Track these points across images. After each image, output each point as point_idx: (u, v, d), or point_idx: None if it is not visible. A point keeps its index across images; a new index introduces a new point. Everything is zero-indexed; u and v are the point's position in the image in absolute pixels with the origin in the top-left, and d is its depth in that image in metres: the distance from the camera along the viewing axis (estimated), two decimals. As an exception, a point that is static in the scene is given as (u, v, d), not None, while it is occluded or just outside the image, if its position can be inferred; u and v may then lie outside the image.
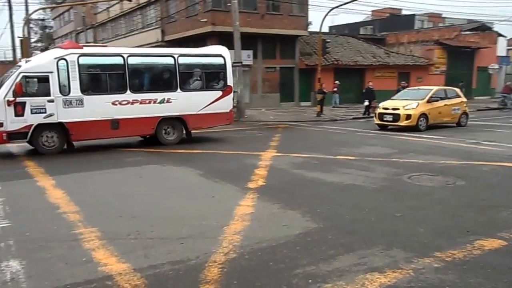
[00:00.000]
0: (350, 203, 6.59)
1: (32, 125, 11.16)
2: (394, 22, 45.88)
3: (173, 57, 13.14)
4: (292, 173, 8.94)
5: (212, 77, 14.11)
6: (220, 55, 14.10)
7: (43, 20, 53.57)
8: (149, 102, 12.64)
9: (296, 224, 5.60)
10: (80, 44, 12.68)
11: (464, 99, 18.14)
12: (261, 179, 8.18)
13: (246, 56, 26.57)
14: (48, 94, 11.30)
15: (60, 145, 11.73)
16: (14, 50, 27.93)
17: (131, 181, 8.52)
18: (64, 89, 11.45)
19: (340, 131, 16.64)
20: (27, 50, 22.79)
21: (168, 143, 12.98)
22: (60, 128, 11.59)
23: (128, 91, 12.30)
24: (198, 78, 13.76)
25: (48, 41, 59.29)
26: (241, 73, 22.47)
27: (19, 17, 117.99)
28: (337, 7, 24.06)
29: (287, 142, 13.82)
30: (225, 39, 25.32)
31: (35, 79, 11.47)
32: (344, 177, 8.40)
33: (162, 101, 12.81)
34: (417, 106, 15.94)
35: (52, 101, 11.31)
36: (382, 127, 16.74)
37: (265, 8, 27.91)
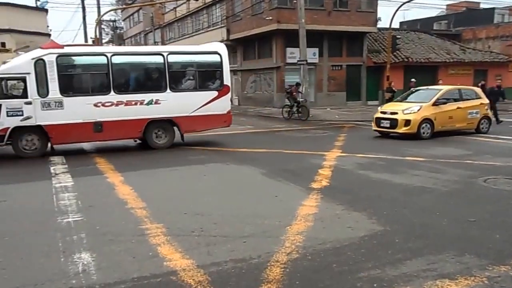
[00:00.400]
0: (419, 206, 6.30)
1: (8, 128, 10.85)
2: (471, 16, 43.54)
3: (162, 56, 12.35)
4: (358, 174, 8.71)
5: (206, 76, 13.18)
6: (216, 53, 13.07)
7: (114, 21, 56.33)
8: (135, 104, 11.93)
9: (361, 226, 5.43)
10: (62, 44, 11.98)
11: (485, 101, 15.15)
12: (325, 180, 8.04)
13: (312, 54, 26.38)
14: (25, 96, 10.94)
15: (41, 148, 11.39)
16: (86, 50, 29.48)
17: (195, 178, 8.66)
18: (42, 91, 11.03)
19: (409, 131, 15.99)
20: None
21: (158, 147, 12.38)
22: (40, 131, 11.22)
23: (112, 92, 11.68)
24: (191, 78, 12.89)
25: (119, 41, 62.12)
26: (306, 71, 22.33)
27: (91, 18, 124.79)
28: (408, 1, 23.19)
29: (353, 142, 13.52)
30: (290, 37, 25.42)
31: (12, 81, 11.27)
32: (413, 179, 8.06)
33: (149, 103, 12.07)
34: (418, 110, 13.45)
35: (29, 103, 10.92)
36: (383, 134, 14.44)
37: (332, 5, 27.55)
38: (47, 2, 30.27)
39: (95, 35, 23.44)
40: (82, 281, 4.08)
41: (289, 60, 27.09)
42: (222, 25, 33.21)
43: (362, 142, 13.72)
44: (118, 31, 63.57)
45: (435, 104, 13.79)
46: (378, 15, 29.37)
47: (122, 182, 8.18)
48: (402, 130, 13.50)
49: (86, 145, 12.99)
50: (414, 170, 8.85)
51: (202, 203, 6.70)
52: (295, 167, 9.39)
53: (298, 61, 22.37)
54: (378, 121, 14.35)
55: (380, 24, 30.23)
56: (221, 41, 32.64)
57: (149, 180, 8.56)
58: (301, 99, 21.29)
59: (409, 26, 44.38)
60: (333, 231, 5.29)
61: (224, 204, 6.63)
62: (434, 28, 43.94)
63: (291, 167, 9.38)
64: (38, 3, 31.05)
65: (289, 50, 27.11)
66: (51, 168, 9.83)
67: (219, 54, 13.04)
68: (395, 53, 27.76)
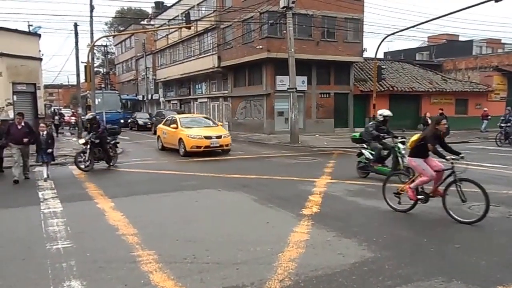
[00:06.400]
0: (408, 233, 6.45)
1: None
2: (451, 48, 44.95)
3: None
4: (347, 200, 8.85)
5: None
6: None
7: (105, 46, 56.42)
8: None
9: (352, 253, 5.54)
10: None
11: None
12: (315, 206, 8.16)
13: (301, 82, 26.85)
14: None
15: None
16: (78, 75, 29.23)
17: (187, 205, 8.70)
18: None
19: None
20: (90, 75, 23.81)
21: None
22: None
23: None
24: None
25: (110, 66, 62.19)
26: (296, 98, 22.66)
27: (83, 42, 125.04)
28: (393, 34, 23.92)
29: (342, 168, 13.62)
30: (280, 65, 25.84)
31: None
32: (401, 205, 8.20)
33: None
34: None
35: None
36: None
37: (320, 35, 28.20)
38: (40, 27, 30.45)
39: (88, 60, 23.49)
40: (73, 308, 4.07)
41: (278, 88, 27.53)
42: (214, 53, 33.64)
43: (351, 168, 13.82)
44: (109, 56, 63.79)
45: None
46: (364, 46, 30.15)
47: (112, 208, 8.18)
48: None
49: (76, 170, 12.97)
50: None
51: (194, 229, 6.74)
52: (286, 194, 9.48)
53: (288, 88, 22.72)
54: None
55: (365, 54, 30.97)
56: (212, 68, 33.27)
57: (140, 206, 8.57)
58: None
59: (393, 56, 45.55)
60: (324, 258, 5.38)
61: (216, 231, 6.67)
62: (417, 58, 45.16)
63: (282, 194, 9.47)
64: (31, 28, 31.22)
65: (278, 78, 27.57)
66: (40, 193, 9.80)
67: None
68: (380, 82, 28.37)
